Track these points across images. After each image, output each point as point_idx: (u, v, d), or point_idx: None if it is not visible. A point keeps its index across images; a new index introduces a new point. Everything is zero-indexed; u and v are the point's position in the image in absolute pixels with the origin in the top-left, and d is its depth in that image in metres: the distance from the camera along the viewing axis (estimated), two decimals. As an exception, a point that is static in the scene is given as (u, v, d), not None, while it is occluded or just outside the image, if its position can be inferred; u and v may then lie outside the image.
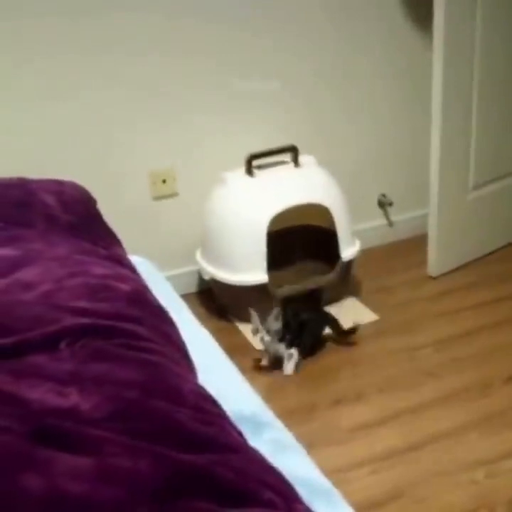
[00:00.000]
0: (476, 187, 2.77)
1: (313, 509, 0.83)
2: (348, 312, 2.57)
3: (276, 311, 2.22)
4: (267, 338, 2.21)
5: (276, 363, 2.26)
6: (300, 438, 1.97)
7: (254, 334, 2.24)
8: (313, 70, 2.73)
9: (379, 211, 3.06)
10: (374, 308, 2.57)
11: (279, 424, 1.18)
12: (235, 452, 0.81)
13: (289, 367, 2.25)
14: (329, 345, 2.39)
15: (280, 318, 2.22)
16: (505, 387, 2.09)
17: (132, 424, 0.81)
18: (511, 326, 2.39)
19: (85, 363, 0.94)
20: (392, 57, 2.83)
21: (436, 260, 2.75)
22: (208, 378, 1.13)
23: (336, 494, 1.03)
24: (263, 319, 2.21)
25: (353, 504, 1.69)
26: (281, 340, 2.24)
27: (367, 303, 2.62)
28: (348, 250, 2.57)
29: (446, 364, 2.23)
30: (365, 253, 2.71)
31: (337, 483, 1.78)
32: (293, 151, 2.54)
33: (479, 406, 2.02)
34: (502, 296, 2.58)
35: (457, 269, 2.80)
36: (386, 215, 3.07)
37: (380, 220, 3.07)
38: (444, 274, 2.77)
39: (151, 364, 0.94)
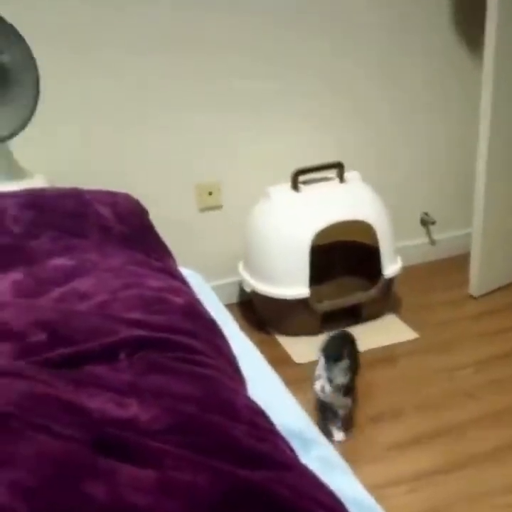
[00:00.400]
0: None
1: None
2: (388, 329, 2.57)
3: (345, 363, 1.95)
4: (327, 387, 1.95)
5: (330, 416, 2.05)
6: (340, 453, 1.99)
7: (315, 380, 2.00)
8: (362, 84, 2.74)
9: (422, 229, 3.06)
10: (414, 327, 2.57)
11: (324, 440, 1.19)
12: (289, 469, 0.83)
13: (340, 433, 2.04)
14: (368, 361, 2.39)
15: (349, 372, 1.96)
16: (546, 411, 2.08)
17: (190, 437, 0.83)
18: (552, 349, 2.38)
19: (143, 375, 0.96)
20: (444, 74, 2.84)
21: (478, 280, 2.74)
22: (255, 391, 1.13)
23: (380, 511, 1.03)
24: (329, 367, 1.94)
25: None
26: (345, 394, 2.00)
27: (407, 321, 2.62)
28: (391, 267, 2.58)
29: (486, 385, 2.23)
30: (406, 271, 2.71)
31: (376, 501, 1.80)
32: (339, 167, 2.56)
33: (519, 429, 2.01)
34: (543, 318, 2.57)
35: (499, 289, 2.79)
36: (428, 233, 3.07)
37: (422, 239, 3.08)
38: (485, 294, 2.76)
39: (206, 378, 0.96)
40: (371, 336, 2.53)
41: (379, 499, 1.78)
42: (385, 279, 2.57)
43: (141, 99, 2.47)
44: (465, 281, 2.78)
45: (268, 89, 2.61)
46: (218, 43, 2.48)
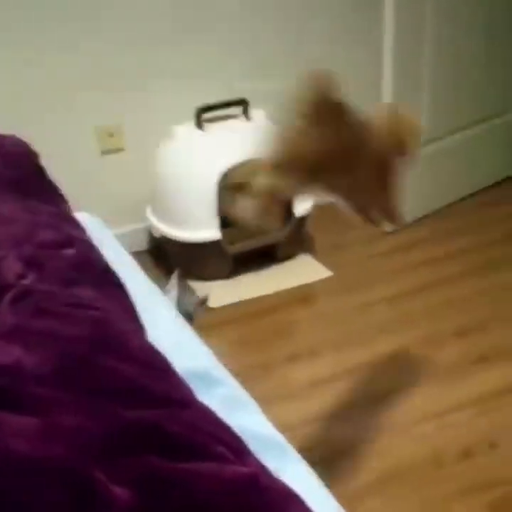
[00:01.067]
0: (429, 142, 2.76)
1: (266, 463, 0.81)
2: (303, 269, 2.55)
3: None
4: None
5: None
6: (255, 395, 1.97)
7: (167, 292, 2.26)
8: (265, 23, 2.66)
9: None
10: (328, 265, 2.56)
11: (232, 380, 1.16)
12: (185, 408, 0.79)
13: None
14: (283, 301, 2.37)
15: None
16: (456, 341, 2.11)
17: (79, 380, 0.78)
18: (462, 281, 2.41)
19: (29, 320, 0.89)
20: (346, 15, 2.79)
21: (389, 216, 2.74)
22: (159, 335, 1.11)
23: (289, 448, 1.02)
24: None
25: (306, 457, 1.70)
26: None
27: (321, 259, 2.60)
28: (301, 206, 2.55)
29: (399, 319, 2.24)
30: (319, 209, 2.69)
31: (291, 438, 1.79)
32: (243, 104, 2.48)
33: (430, 360, 2.03)
34: (453, 251, 2.60)
35: (411, 224, 2.80)
36: (339, 171, 3.05)
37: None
38: (397, 230, 2.77)
39: (97, 321, 0.90)
40: (286, 276, 2.52)
41: (292, 437, 1.78)
42: (297, 219, 2.53)
43: (36, 35, 2.31)
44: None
45: (169, 26, 2.49)
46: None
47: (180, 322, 1.38)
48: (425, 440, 1.74)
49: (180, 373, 0.88)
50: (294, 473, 0.94)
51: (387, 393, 1.91)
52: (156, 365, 0.86)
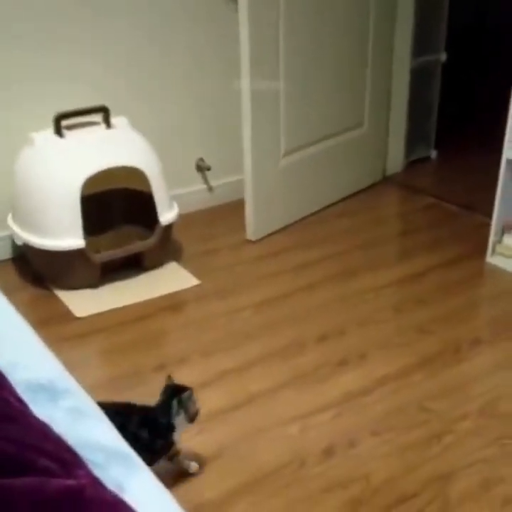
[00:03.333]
0: (287, 153, 2.86)
1: (111, 474, 0.82)
2: (170, 277, 2.57)
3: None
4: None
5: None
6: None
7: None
8: (130, 33, 2.66)
9: (198, 176, 3.07)
10: (196, 273, 2.59)
11: (79, 391, 1.15)
12: (11, 422, 0.79)
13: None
14: (152, 310, 2.38)
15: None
16: (317, 345, 2.20)
17: None
18: (324, 288, 2.52)
19: None
20: (206, 24, 2.84)
21: (254, 225, 2.82)
22: (5, 350, 1.13)
23: (135, 458, 1.01)
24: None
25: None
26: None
27: (188, 267, 2.63)
28: (167, 214, 2.56)
29: (264, 325, 2.31)
30: (185, 218, 2.72)
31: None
32: (104, 111, 2.47)
33: (294, 364, 2.11)
34: (314, 259, 2.71)
35: (275, 232, 2.89)
36: (205, 179, 3.09)
37: (199, 185, 3.09)
38: (262, 238, 2.86)
39: None
40: (154, 285, 2.52)
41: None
42: (163, 227, 2.54)
43: None
44: (243, 227, 2.84)
45: (26, 28, 2.43)
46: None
47: (28, 332, 1.34)
48: (289, 442, 1.80)
49: (21, 385, 0.86)
50: (140, 483, 0.94)
51: (252, 398, 1.96)
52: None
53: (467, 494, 1.63)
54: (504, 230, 2.61)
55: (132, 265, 2.55)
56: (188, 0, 2.76)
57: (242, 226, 2.85)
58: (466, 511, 1.59)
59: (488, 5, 4.01)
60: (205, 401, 1.95)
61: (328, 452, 1.76)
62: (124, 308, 2.38)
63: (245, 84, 2.58)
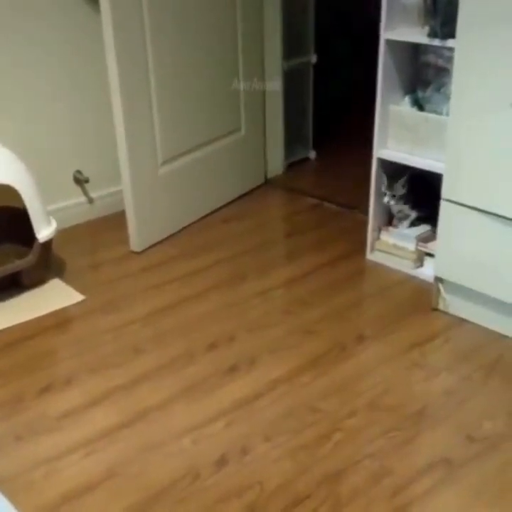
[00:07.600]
0: (166, 162, 2.84)
1: None
2: (53, 294, 2.50)
3: (403, 179, 2.56)
4: (391, 201, 2.60)
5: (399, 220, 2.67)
6: (6, 432, 1.89)
7: (383, 196, 2.62)
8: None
9: (77, 188, 2.99)
10: (80, 288, 2.53)
11: None
12: None
13: (405, 224, 2.66)
14: (35, 330, 2.30)
15: (406, 185, 2.57)
16: (207, 354, 2.19)
17: None
18: (212, 295, 2.52)
19: None
20: (72, 35, 2.78)
21: (137, 235, 2.78)
22: None
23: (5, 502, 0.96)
24: (390, 185, 2.58)
25: (66, 491, 1.67)
26: (405, 203, 2.61)
27: (72, 283, 2.56)
28: (44, 230, 2.49)
29: (153, 338, 2.29)
30: (66, 232, 2.65)
31: (48, 473, 1.75)
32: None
33: (184, 376, 2.09)
34: (201, 267, 2.71)
35: (160, 242, 2.87)
36: (84, 192, 3.02)
37: (79, 198, 3.01)
38: (147, 249, 2.82)
39: None
40: (36, 303, 2.44)
41: (53, 471, 1.75)
42: (41, 244, 2.46)
43: None
44: (126, 238, 2.80)
45: None
46: None
47: None
48: (182, 456, 1.79)
49: None
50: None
51: (143, 414, 1.93)
52: None
53: (358, 489, 1.68)
54: (380, 227, 2.71)
55: (13, 284, 2.46)
56: (51, 11, 2.69)
57: (125, 238, 2.80)
58: (357, 506, 1.63)
59: (351, 6, 4.14)
60: (93, 421, 1.92)
61: (222, 462, 1.76)
62: (6, 330, 2.29)
63: (115, 94, 2.54)
